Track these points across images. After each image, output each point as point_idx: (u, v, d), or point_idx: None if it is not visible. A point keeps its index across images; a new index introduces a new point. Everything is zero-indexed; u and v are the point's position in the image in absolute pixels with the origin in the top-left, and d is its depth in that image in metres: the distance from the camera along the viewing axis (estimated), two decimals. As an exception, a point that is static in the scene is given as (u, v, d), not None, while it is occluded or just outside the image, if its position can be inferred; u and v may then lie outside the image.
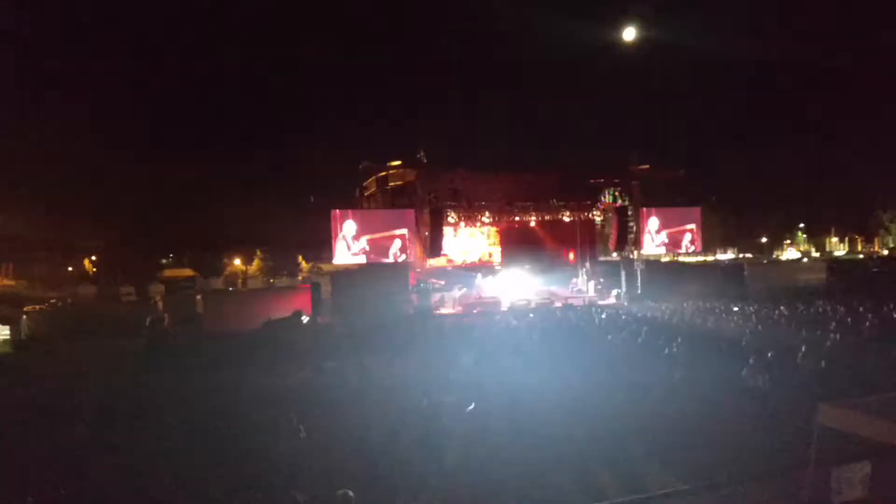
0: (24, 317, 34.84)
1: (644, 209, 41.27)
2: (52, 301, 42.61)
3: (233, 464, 11.70)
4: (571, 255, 45.00)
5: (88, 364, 25.58)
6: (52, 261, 58.83)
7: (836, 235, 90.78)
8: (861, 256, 67.60)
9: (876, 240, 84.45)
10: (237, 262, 71.21)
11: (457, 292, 39.11)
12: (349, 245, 35.25)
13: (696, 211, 43.63)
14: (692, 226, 43.10)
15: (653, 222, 41.70)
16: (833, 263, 47.15)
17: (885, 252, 73.81)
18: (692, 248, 44.32)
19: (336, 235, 35.23)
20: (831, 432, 7.99)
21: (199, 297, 34.22)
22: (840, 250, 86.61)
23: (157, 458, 12.70)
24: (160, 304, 35.19)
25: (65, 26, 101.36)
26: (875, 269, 45.31)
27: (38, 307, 38.05)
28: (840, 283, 39.95)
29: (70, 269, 61.45)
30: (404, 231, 35.94)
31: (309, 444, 12.12)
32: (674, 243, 43.08)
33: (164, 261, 69.82)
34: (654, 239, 41.86)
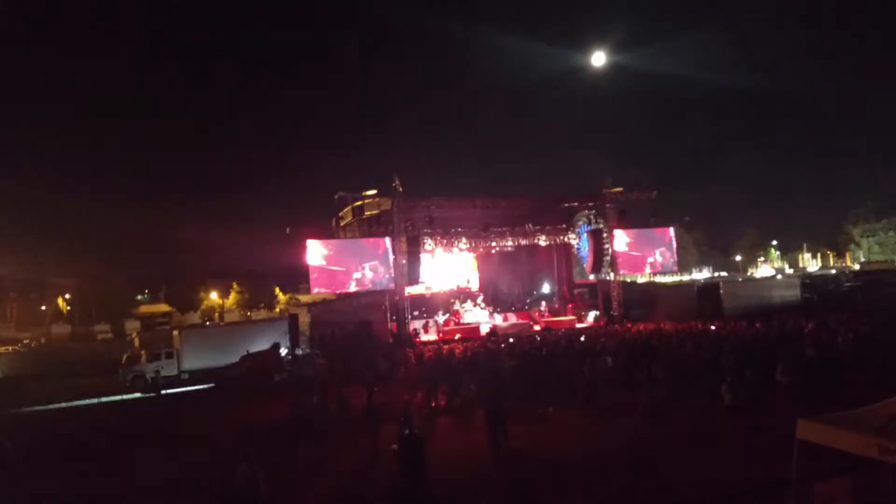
0: (-3, 358, 34.22)
1: (618, 230, 41.54)
2: (26, 341, 41.89)
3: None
4: (549, 279, 45.13)
5: (62, 404, 25.21)
6: (25, 300, 57.86)
7: (808, 251, 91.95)
8: (833, 272, 68.37)
9: (847, 254, 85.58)
10: (213, 295, 70.51)
11: (437, 319, 39.01)
12: (325, 274, 35.10)
13: (671, 231, 44.04)
14: (667, 246, 43.50)
15: (628, 243, 42.03)
16: (806, 279, 47.61)
17: (857, 266, 74.80)
18: (668, 269, 44.64)
19: (311, 266, 35.05)
20: (811, 447, 8.02)
21: (175, 332, 33.77)
22: (812, 266, 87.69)
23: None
24: (136, 341, 34.71)
25: (26, 49, 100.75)
26: (848, 284, 45.78)
27: (10, 348, 37.37)
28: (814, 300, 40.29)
29: (43, 307, 60.39)
30: (378, 260, 35.99)
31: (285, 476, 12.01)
32: (649, 264, 43.43)
33: (139, 297, 68.94)
34: (629, 260, 42.19)
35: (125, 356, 30.74)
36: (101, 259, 64.12)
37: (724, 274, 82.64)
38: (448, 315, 39.38)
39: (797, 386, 15.60)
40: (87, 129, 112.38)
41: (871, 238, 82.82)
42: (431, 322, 38.62)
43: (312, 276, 35.26)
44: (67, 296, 62.51)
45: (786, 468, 8.34)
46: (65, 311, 61.60)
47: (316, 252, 35.07)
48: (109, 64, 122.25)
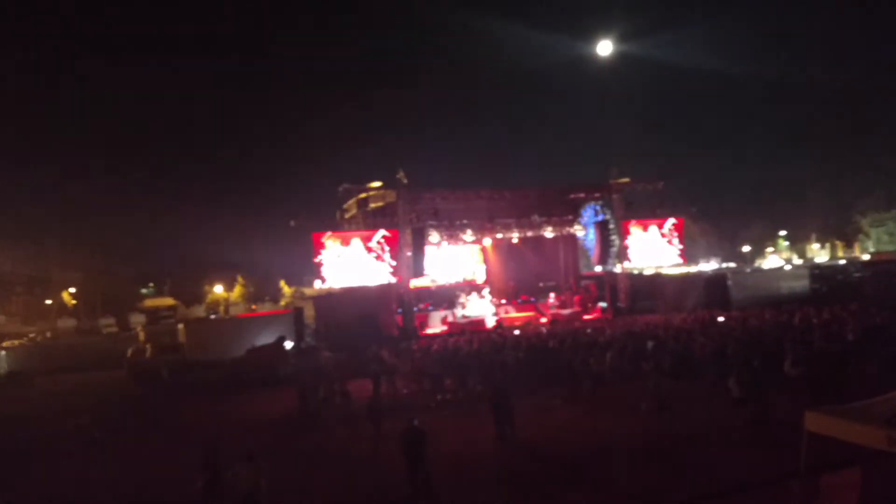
0: (3, 353, 34.31)
1: (625, 222, 41.40)
2: (31, 336, 42.01)
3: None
4: (555, 271, 44.92)
5: (70, 398, 25.22)
6: (31, 295, 58.02)
7: (817, 241, 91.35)
8: (842, 262, 67.90)
9: (856, 244, 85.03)
10: (218, 289, 70.59)
11: (442, 312, 38.85)
12: (331, 268, 35.03)
13: (678, 222, 43.77)
14: (674, 237, 43.31)
15: (634, 235, 41.90)
16: (815, 270, 47.23)
17: (866, 257, 74.33)
18: (676, 260, 44.39)
19: (318, 259, 35.00)
20: (819, 439, 7.91)
21: (180, 325, 33.77)
22: (821, 256, 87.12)
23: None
24: (141, 335, 34.69)
25: (26, 53, 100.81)
26: (857, 274, 45.39)
27: (17, 342, 37.49)
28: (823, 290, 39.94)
29: (49, 302, 60.49)
30: (385, 251, 35.98)
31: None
32: (657, 255, 43.21)
33: (144, 290, 69.01)
34: (636, 251, 42.04)
35: (130, 350, 30.79)
36: (105, 253, 64.23)
37: (731, 265, 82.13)
38: (450, 309, 39.17)
39: (806, 377, 15.42)
40: (92, 122, 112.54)
41: (880, 228, 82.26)
42: (434, 316, 38.53)
43: (317, 269, 35.17)
44: (72, 290, 62.62)
45: (794, 459, 8.22)
46: (70, 305, 61.75)
47: (321, 245, 35.04)
48: (113, 55, 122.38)
